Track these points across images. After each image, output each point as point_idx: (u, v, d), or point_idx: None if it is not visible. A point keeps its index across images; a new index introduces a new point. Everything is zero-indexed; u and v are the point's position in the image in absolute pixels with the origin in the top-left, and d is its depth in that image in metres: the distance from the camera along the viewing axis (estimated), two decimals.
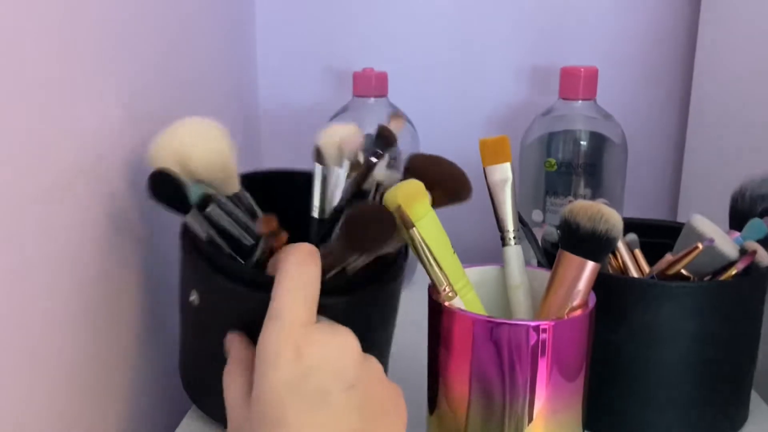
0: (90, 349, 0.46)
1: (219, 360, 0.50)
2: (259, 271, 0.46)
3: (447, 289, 0.41)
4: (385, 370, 0.55)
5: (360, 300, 0.45)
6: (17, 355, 0.38)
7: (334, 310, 0.43)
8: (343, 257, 0.44)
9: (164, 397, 0.58)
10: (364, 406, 0.34)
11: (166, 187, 0.46)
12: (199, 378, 0.53)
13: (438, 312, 0.41)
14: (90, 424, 0.47)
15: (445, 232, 0.43)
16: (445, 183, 0.45)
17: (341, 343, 0.34)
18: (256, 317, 0.44)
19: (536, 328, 0.38)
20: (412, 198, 0.40)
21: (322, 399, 0.32)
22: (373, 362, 0.36)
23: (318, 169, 0.49)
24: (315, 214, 0.50)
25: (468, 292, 0.42)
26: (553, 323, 0.39)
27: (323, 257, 0.41)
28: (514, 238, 0.46)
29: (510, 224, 0.46)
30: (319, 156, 0.49)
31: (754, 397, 0.55)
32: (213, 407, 0.52)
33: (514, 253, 0.46)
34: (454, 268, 0.42)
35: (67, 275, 0.43)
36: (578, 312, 0.40)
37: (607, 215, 0.41)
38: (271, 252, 0.47)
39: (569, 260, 0.41)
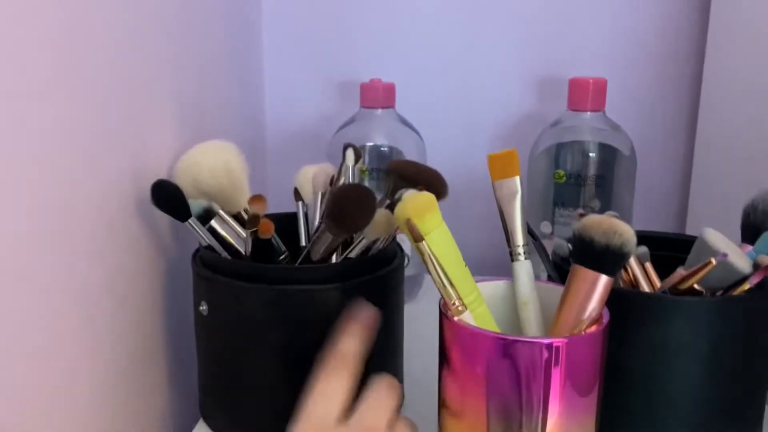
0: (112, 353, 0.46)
1: (227, 374, 0.50)
2: (254, 263, 0.50)
3: (457, 303, 0.40)
4: (399, 370, 0.56)
5: (353, 288, 0.48)
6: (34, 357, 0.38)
7: (327, 297, 0.47)
8: (331, 240, 0.48)
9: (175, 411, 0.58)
10: None
11: (165, 195, 0.50)
12: (210, 395, 0.53)
13: (447, 327, 0.41)
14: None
15: (456, 244, 0.42)
16: (422, 178, 0.50)
17: None
18: (258, 312, 0.47)
19: (549, 346, 0.38)
20: (422, 210, 0.40)
21: None
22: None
23: (299, 206, 0.57)
24: (303, 243, 0.57)
25: (479, 305, 0.42)
26: (566, 340, 0.38)
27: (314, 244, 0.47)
28: (524, 252, 0.46)
29: (519, 239, 0.46)
30: (297, 195, 0.57)
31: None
32: (221, 425, 0.52)
33: (523, 268, 0.45)
34: (465, 282, 0.42)
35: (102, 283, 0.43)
36: (592, 328, 0.40)
37: (621, 229, 0.40)
38: (258, 241, 0.48)
39: (583, 275, 0.41)
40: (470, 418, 0.40)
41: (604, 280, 0.40)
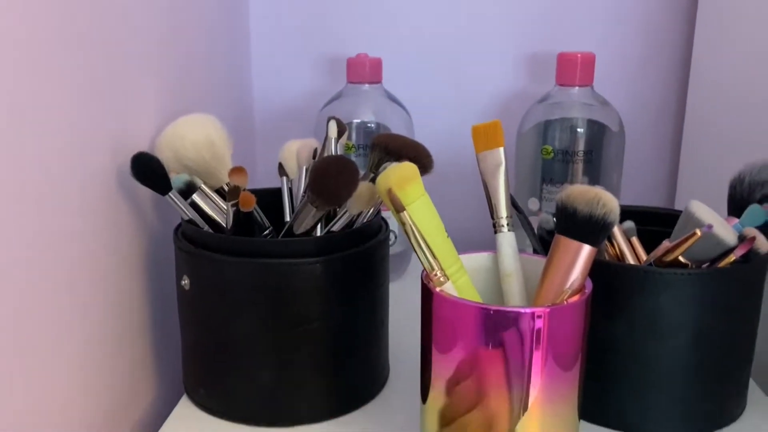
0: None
1: (210, 349, 0.50)
2: (235, 236, 0.50)
3: (438, 274, 0.40)
4: (384, 345, 0.55)
5: (337, 261, 0.48)
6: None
7: (311, 270, 0.47)
8: (314, 212, 0.48)
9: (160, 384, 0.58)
10: None
11: (145, 168, 0.49)
12: (194, 370, 0.53)
13: (429, 298, 0.40)
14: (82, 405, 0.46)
15: (438, 216, 0.42)
16: (407, 152, 0.49)
17: None
18: (240, 286, 0.47)
19: (532, 315, 0.37)
20: (404, 180, 0.40)
21: None
22: None
23: (283, 182, 0.56)
24: (288, 218, 0.56)
25: (461, 276, 0.41)
26: (548, 309, 0.38)
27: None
28: (507, 225, 0.45)
29: (503, 211, 0.45)
30: (281, 170, 0.56)
31: (753, 387, 0.54)
32: (204, 399, 0.52)
33: (507, 240, 0.45)
34: (448, 253, 0.41)
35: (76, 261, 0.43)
36: (575, 298, 0.39)
37: (605, 199, 0.40)
38: (241, 216, 0.48)
39: (566, 245, 0.40)
40: (454, 390, 0.40)
41: (587, 250, 0.40)
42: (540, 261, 0.43)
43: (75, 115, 0.44)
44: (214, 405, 0.52)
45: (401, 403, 0.53)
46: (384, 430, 0.50)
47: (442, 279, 0.40)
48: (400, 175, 0.40)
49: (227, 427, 0.50)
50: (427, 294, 0.40)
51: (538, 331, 0.38)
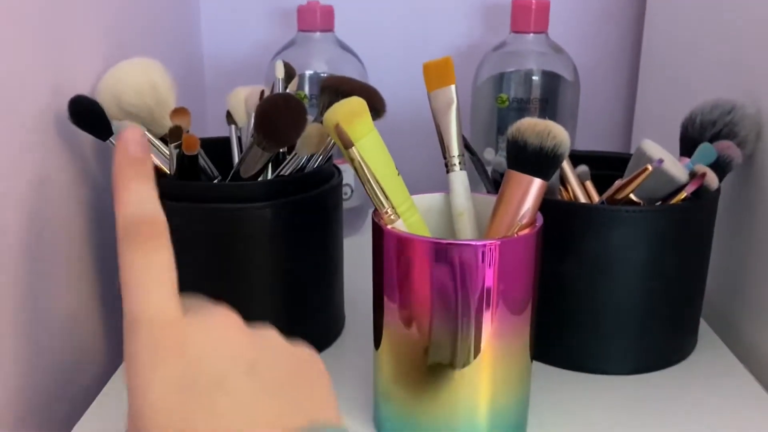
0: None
1: None
2: (179, 181, 0.49)
3: (389, 212, 0.39)
4: (339, 295, 0.55)
5: (286, 206, 0.47)
6: None
7: (259, 215, 0.46)
8: (261, 155, 0.46)
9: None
10: (275, 383, 0.27)
11: (83, 111, 0.47)
12: None
13: (380, 236, 0.39)
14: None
15: (388, 153, 0.41)
16: (358, 95, 0.46)
17: (221, 323, 0.28)
18: (184, 233, 0.45)
19: (482, 248, 0.37)
20: (352, 116, 0.38)
21: (219, 389, 0.25)
22: (268, 333, 0.30)
23: (232, 130, 0.54)
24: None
25: (413, 215, 0.41)
26: (499, 242, 0.37)
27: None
28: (459, 163, 0.44)
29: (455, 149, 0.44)
30: (229, 118, 0.54)
31: (703, 326, 0.55)
32: None
33: (458, 178, 0.44)
34: (398, 191, 0.40)
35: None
36: (526, 231, 0.39)
37: (555, 131, 0.39)
38: (183, 158, 0.47)
39: (517, 179, 0.40)
40: (402, 331, 0.40)
41: (537, 183, 0.39)
42: (492, 199, 0.43)
43: (10, 58, 0.42)
44: None
45: (356, 352, 0.52)
46: (339, 378, 0.49)
47: (392, 217, 0.39)
48: (347, 109, 0.39)
49: None
50: (378, 232, 0.39)
51: (490, 264, 0.37)
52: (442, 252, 0.37)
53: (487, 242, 0.37)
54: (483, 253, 0.37)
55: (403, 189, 0.41)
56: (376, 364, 0.43)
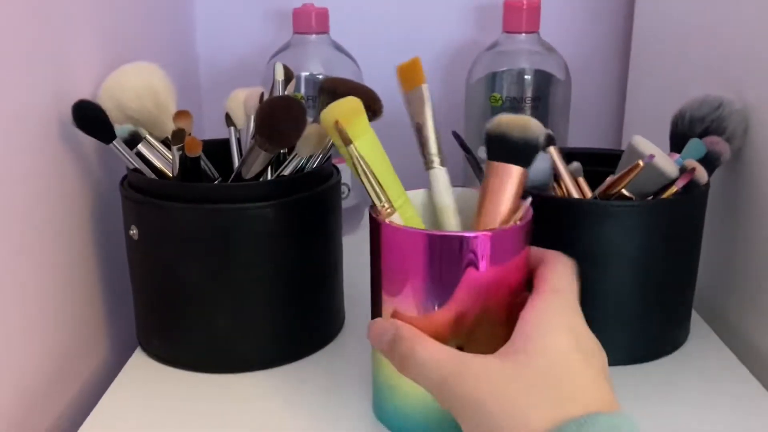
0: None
1: (161, 298, 0.50)
2: (183, 183, 0.49)
3: (386, 206, 0.40)
4: (339, 291, 0.56)
5: (288, 205, 0.48)
6: None
7: (261, 215, 0.47)
8: (262, 156, 0.47)
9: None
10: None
11: (87, 115, 0.48)
12: (146, 321, 0.52)
13: (377, 231, 0.40)
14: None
15: (384, 152, 0.42)
16: (355, 95, 0.47)
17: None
18: (189, 234, 0.46)
19: (476, 239, 0.38)
20: (349, 113, 0.40)
21: (589, 358, 0.36)
22: None
23: (231, 132, 0.55)
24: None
25: (408, 209, 0.42)
26: (491, 234, 0.38)
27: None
28: (439, 160, 0.45)
29: (433, 147, 0.45)
30: (228, 120, 0.55)
31: (695, 316, 0.56)
32: (158, 350, 0.52)
33: (439, 175, 0.44)
34: (394, 186, 0.41)
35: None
36: (516, 222, 0.40)
37: (530, 123, 0.41)
38: (186, 160, 0.48)
39: (500, 169, 0.41)
40: (405, 321, 0.40)
41: (519, 171, 0.41)
42: (474, 193, 0.44)
43: (14, 65, 0.42)
44: (168, 355, 0.51)
45: (356, 349, 0.53)
46: (339, 375, 0.50)
47: (389, 210, 0.40)
48: (346, 107, 0.40)
49: (182, 375, 0.50)
50: (375, 227, 0.41)
51: (482, 255, 0.38)
52: (437, 243, 0.38)
53: (479, 234, 0.38)
54: (476, 244, 0.38)
55: (398, 185, 0.42)
56: (375, 357, 0.44)
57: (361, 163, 0.39)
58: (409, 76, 0.45)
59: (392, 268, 0.40)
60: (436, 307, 0.39)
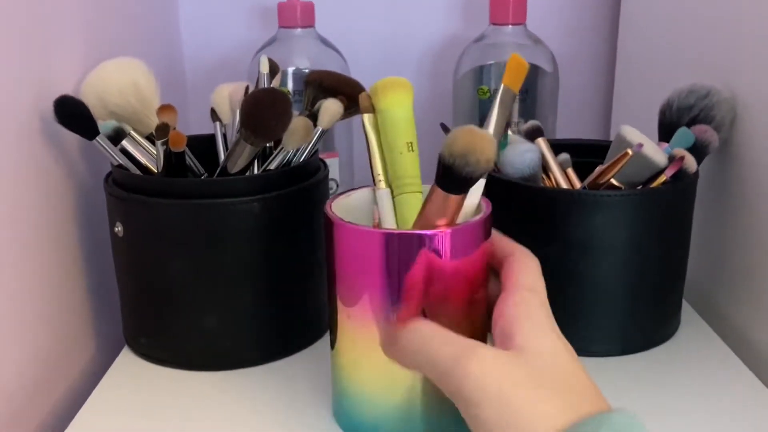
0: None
1: (148, 296, 0.49)
2: (168, 178, 0.49)
3: (381, 178, 0.41)
4: (320, 287, 0.54)
5: (275, 200, 0.47)
6: None
7: (247, 210, 0.46)
8: (247, 149, 0.47)
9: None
10: None
11: (69, 111, 0.47)
12: (133, 319, 0.52)
13: (330, 230, 0.39)
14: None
15: (413, 130, 0.41)
16: (342, 88, 0.49)
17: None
18: (174, 229, 0.46)
19: (434, 236, 0.37)
20: (388, 88, 0.40)
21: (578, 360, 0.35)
22: None
23: (217, 127, 0.54)
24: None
25: (405, 192, 0.41)
26: (450, 230, 0.37)
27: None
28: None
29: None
30: (214, 115, 0.54)
31: (685, 306, 0.56)
32: (146, 349, 0.51)
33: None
34: (403, 165, 0.40)
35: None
36: (475, 218, 0.39)
37: (482, 154, 0.36)
38: (171, 155, 0.47)
39: (438, 194, 0.38)
40: (352, 326, 0.40)
41: (456, 198, 0.38)
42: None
43: None
44: (156, 353, 0.51)
45: None
46: (328, 371, 0.50)
47: (382, 184, 0.41)
48: (388, 83, 0.40)
49: (171, 374, 0.50)
50: (328, 226, 0.39)
51: (441, 252, 0.37)
52: (392, 242, 0.37)
53: (438, 232, 0.37)
54: (435, 241, 0.37)
55: (411, 165, 0.41)
56: (334, 362, 0.43)
57: (368, 131, 0.41)
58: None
59: (345, 267, 0.39)
60: (393, 307, 0.38)
